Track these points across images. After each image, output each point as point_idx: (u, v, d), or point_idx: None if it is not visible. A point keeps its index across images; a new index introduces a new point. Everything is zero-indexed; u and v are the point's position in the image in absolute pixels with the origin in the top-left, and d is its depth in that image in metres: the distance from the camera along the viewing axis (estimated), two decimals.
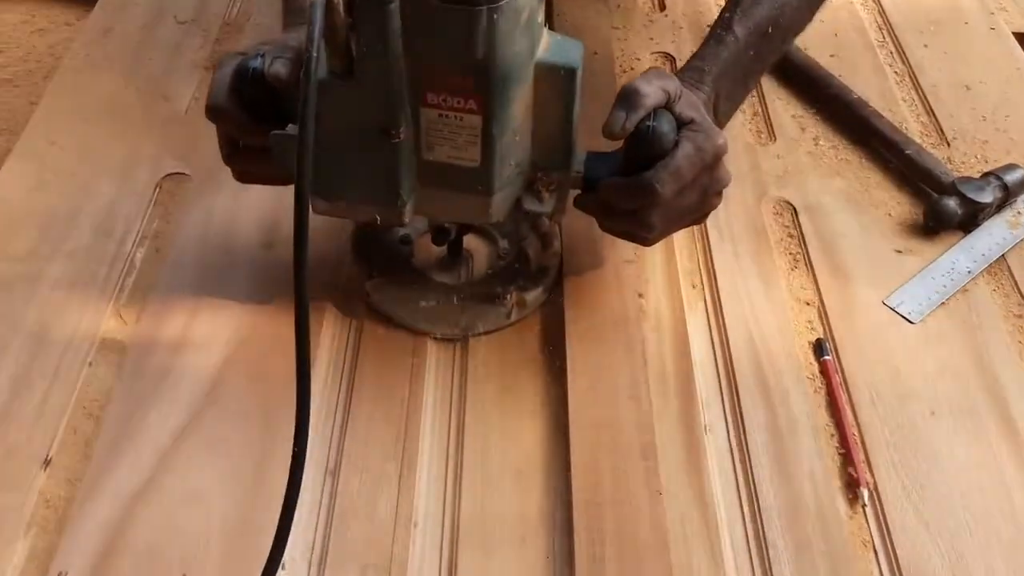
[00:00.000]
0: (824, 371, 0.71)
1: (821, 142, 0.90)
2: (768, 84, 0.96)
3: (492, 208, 0.63)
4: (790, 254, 0.80)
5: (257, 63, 0.61)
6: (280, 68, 0.59)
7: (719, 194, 0.66)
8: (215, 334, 0.71)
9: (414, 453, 0.64)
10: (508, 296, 0.72)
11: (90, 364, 0.69)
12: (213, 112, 0.62)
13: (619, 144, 0.63)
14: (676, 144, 0.61)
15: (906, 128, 0.90)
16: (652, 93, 0.61)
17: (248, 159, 0.65)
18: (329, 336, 0.71)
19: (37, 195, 0.81)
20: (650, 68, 0.65)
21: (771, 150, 0.89)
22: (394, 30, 0.54)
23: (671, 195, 0.61)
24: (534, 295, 0.73)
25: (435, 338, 0.72)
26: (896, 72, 0.99)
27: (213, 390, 0.67)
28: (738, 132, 0.90)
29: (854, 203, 0.84)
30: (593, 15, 1.02)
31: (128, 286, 0.75)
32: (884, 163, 0.87)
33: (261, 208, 0.80)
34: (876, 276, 0.78)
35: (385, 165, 0.60)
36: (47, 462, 0.63)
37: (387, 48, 0.54)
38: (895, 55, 1.01)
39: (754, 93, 0.95)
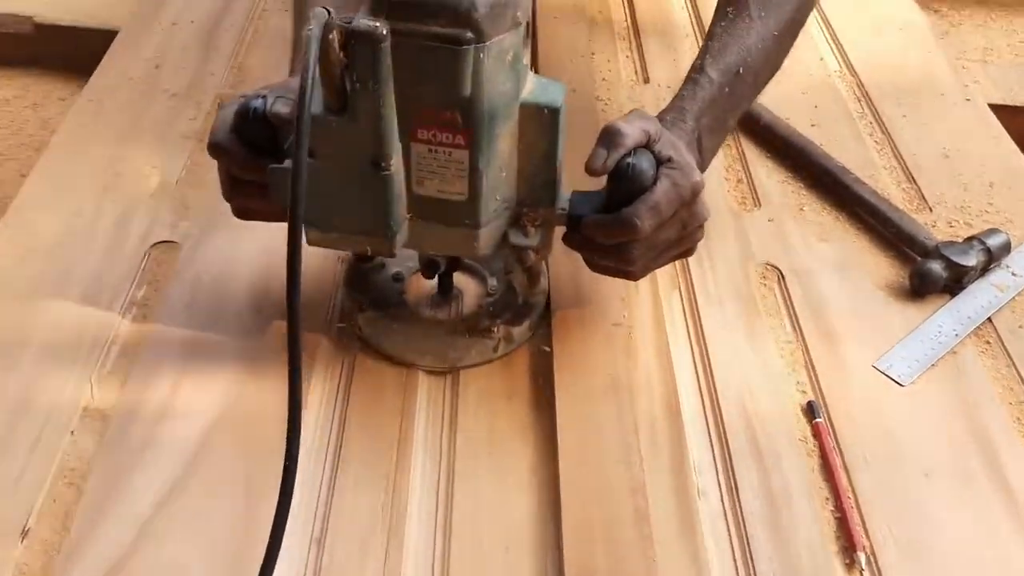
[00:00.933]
0: (816, 433, 0.70)
1: (805, 208, 0.91)
2: (752, 152, 0.98)
3: (479, 241, 0.66)
4: (779, 318, 0.80)
5: (259, 103, 0.64)
6: (281, 107, 0.63)
7: (700, 227, 0.69)
8: (200, 402, 0.70)
9: (402, 517, 0.63)
10: (495, 330, 0.73)
11: (72, 433, 0.68)
12: (215, 148, 0.66)
13: (603, 184, 0.66)
14: (655, 181, 0.64)
15: (888, 195, 0.91)
16: (632, 133, 0.64)
17: (247, 195, 0.68)
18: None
19: (25, 263, 0.81)
20: (632, 110, 0.69)
21: (756, 216, 0.90)
22: (386, 67, 0.57)
23: (650, 230, 0.64)
24: (520, 330, 0.75)
25: (425, 371, 0.72)
26: (876, 141, 1.01)
27: (197, 460, 0.66)
28: (723, 199, 0.91)
29: (840, 267, 0.85)
30: (577, 86, 1.05)
31: (113, 353, 0.74)
32: (868, 229, 0.88)
33: (251, 274, 0.80)
34: (865, 339, 0.78)
35: (376, 197, 0.63)
36: (24, 533, 0.62)
37: (379, 85, 0.58)
38: (874, 125, 1.03)
39: (739, 160, 0.97)
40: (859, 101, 1.07)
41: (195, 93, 1.02)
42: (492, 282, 0.78)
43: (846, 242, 0.87)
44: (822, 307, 0.81)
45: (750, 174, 0.95)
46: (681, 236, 0.68)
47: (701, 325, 0.79)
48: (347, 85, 0.58)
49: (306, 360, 0.71)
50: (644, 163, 0.64)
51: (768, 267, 0.85)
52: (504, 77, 0.60)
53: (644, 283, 0.80)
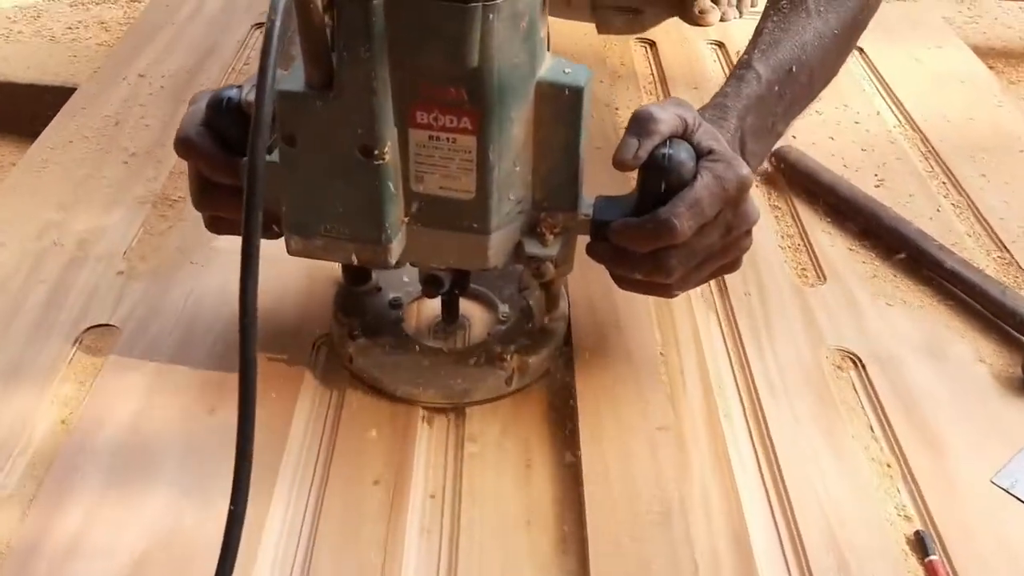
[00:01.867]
0: (931, 574, 0.53)
1: (880, 281, 0.76)
2: (810, 216, 0.83)
3: (490, 250, 0.56)
4: (862, 417, 0.64)
5: (233, 92, 0.56)
6: None
7: (748, 233, 0.58)
8: (122, 535, 0.54)
9: None
10: (508, 359, 0.62)
11: None
12: (183, 144, 0.57)
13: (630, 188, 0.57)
14: (695, 175, 0.55)
15: (979, 265, 0.76)
16: (667, 120, 0.55)
17: (220, 201, 0.58)
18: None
19: None
20: (669, 97, 0.58)
21: (822, 292, 0.74)
22: (379, 31, 0.49)
23: (691, 232, 0.54)
24: (537, 360, 0.64)
25: (426, 407, 0.62)
26: (954, 204, 0.86)
27: None
28: (781, 270, 0.76)
29: (932, 353, 0.69)
30: (601, 143, 0.90)
31: (19, 468, 0.58)
32: (961, 305, 0.73)
33: (206, 362, 0.64)
34: (976, 445, 0.61)
35: (368, 193, 0.53)
36: None
37: (371, 52, 0.49)
38: (949, 185, 0.88)
39: (795, 224, 0.82)
40: (926, 159, 0.92)
41: (157, 152, 0.88)
42: (503, 308, 0.68)
43: (936, 322, 0.72)
44: (916, 403, 0.64)
45: (810, 242, 0.80)
46: (725, 243, 0.57)
47: (766, 426, 0.62)
48: (333, 56, 0.49)
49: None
50: (682, 154, 0.55)
51: (843, 353, 0.69)
52: (518, 47, 0.50)
53: (693, 375, 0.65)
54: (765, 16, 0.70)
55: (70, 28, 1.30)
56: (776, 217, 0.83)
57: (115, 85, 0.98)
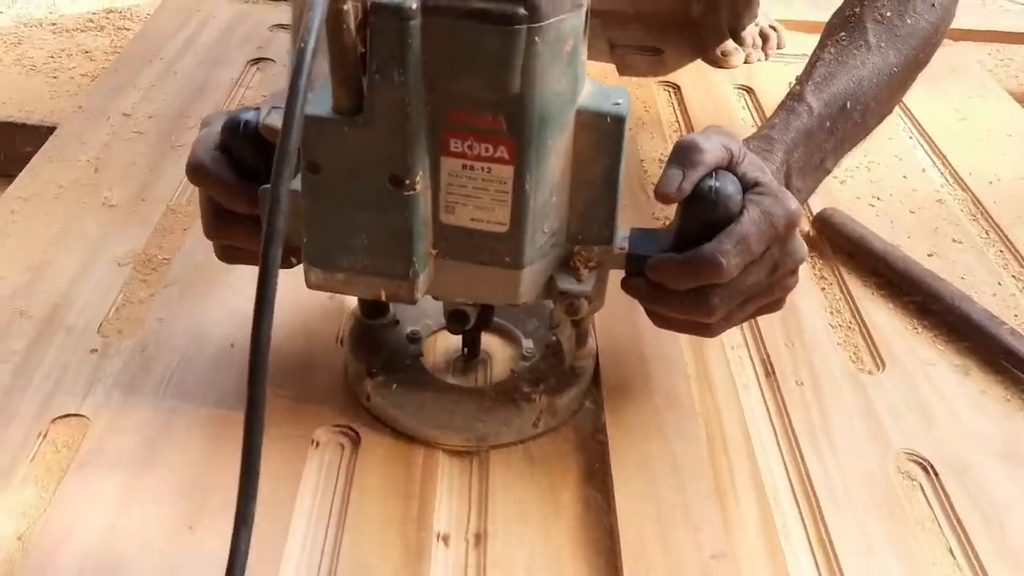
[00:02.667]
0: None
1: (945, 368, 0.68)
2: (859, 289, 0.75)
3: (522, 285, 0.53)
4: (940, 537, 0.56)
5: (251, 116, 0.53)
6: (276, 119, 0.51)
7: (793, 272, 0.55)
8: None
9: None
10: (536, 399, 0.60)
11: None
12: (197, 171, 0.54)
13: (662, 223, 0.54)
14: (741, 210, 0.52)
15: None
16: (712, 150, 0.52)
17: (234, 230, 0.55)
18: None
19: None
20: (709, 126, 0.55)
21: (882, 382, 0.66)
22: (415, 54, 0.46)
23: (737, 271, 0.52)
24: (566, 401, 0.61)
25: (447, 451, 0.59)
26: (1014, 275, 0.78)
27: None
28: (833, 355, 0.68)
29: (1015, 457, 0.61)
30: (626, 200, 0.83)
31: None
32: None
33: (187, 475, 0.56)
34: None
35: (396, 226, 0.51)
36: None
37: (405, 76, 0.46)
38: (1007, 253, 0.81)
39: (844, 299, 0.74)
40: (977, 220, 0.85)
41: (141, 206, 0.80)
42: (527, 344, 0.65)
43: (1014, 420, 0.64)
44: (1004, 522, 0.57)
45: (864, 321, 0.72)
46: (771, 282, 0.55)
47: (832, 547, 0.54)
48: (363, 81, 0.47)
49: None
50: (730, 187, 0.52)
51: (911, 456, 0.61)
52: (560, 72, 0.48)
53: (745, 487, 0.57)
54: (822, 46, 0.67)
55: (52, 57, 1.21)
56: (823, 289, 0.76)
57: (96, 126, 0.90)
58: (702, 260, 0.51)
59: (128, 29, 1.32)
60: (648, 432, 0.60)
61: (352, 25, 0.45)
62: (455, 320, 0.59)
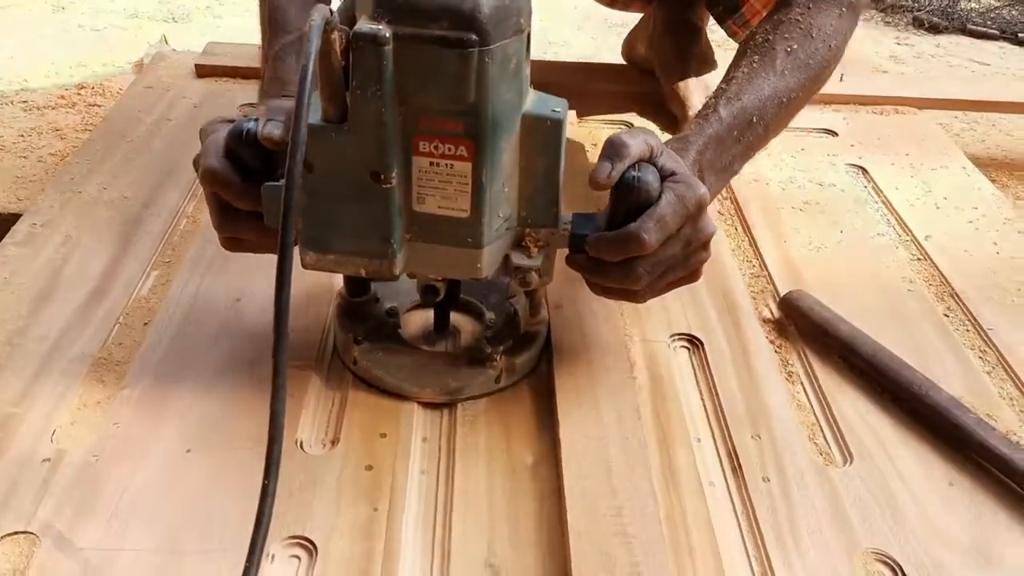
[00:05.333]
0: None
1: (914, 461, 0.67)
2: (827, 376, 0.75)
3: (482, 262, 0.64)
4: None
5: (251, 125, 0.62)
6: (273, 129, 0.61)
7: (705, 247, 0.66)
8: None
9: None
10: (497, 359, 0.70)
11: None
12: (210, 176, 0.63)
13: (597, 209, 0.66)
14: (660, 195, 0.62)
15: (1020, 440, 0.68)
16: (636, 145, 0.62)
17: (240, 225, 0.65)
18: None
19: None
20: (636, 127, 0.64)
21: (850, 476, 0.66)
22: (389, 72, 0.57)
23: (657, 244, 0.62)
24: (523, 360, 0.72)
25: (422, 404, 0.70)
26: (981, 357, 0.78)
27: None
28: (801, 450, 0.68)
29: (986, 558, 0.60)
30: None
31: None
32: (1010, 496, 0.64)
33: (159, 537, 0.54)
34: None
35: (377, 213, 0.61)
36: None
37: (382, 90, 0.57)
38: (973, 332, 0.81)
39: (812, 386, 0.74)
40: (943, 301, 0.85)
41: (100, 301, 0.79)
42: (490, 315, 0.76)
43: (982, 516, 0.63)
44: None
45: (832, 412, 0.71)
46: (686, 254, 0.65)
47: None
48: (347, 94, 0.57)
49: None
50: (649, 176, 0.63)
51: (879, 557, 0.60)
52: (508, 85, 0.59)
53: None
54: (735, 64, 0.76)
55: (22, 136, 1.21)
56: (789, 375, 0.75)
57: (60, 215, 0.90)
58: (628, 236, 0.61)
59: (99, 106, 1.33)
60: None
61: (338, 50, 0.55)
62: (428, 293, 0.70)
